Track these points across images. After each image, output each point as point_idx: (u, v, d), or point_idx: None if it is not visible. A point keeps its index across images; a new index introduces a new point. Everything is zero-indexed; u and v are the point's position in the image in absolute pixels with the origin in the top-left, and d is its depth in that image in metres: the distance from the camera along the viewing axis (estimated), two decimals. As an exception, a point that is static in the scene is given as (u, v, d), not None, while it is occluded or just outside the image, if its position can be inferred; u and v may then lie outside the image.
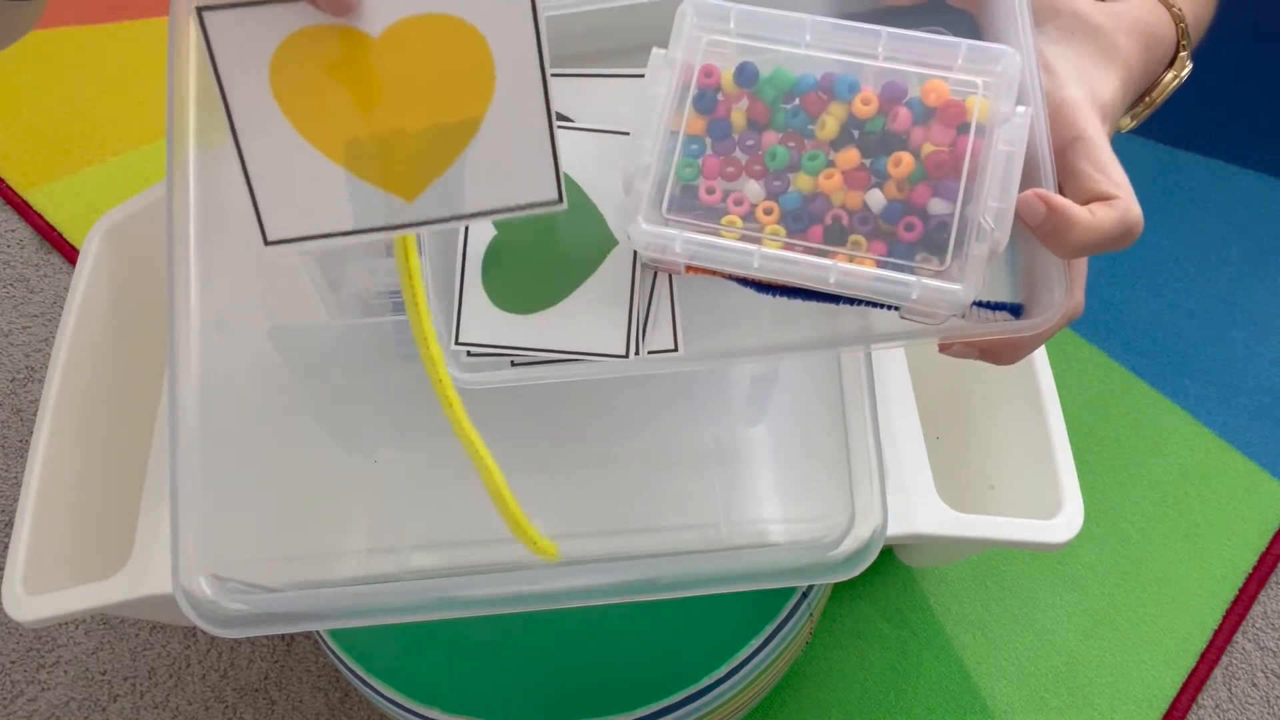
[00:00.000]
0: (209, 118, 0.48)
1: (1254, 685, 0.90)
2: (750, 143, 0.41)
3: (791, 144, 0.41)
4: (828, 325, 0.44)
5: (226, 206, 0.52)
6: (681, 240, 0.40)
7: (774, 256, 0.39)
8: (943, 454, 0.58)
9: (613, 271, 0.44)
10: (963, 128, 0.39)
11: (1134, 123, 0.49)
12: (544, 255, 0.44)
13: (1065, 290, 0.40)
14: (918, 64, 0.40)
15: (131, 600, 0.54)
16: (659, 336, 0.44)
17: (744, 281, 0.42)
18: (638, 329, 0.44)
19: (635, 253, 0.44)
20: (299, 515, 0.57)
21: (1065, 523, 0.56)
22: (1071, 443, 0.58)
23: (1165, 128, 1.16)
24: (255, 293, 0.54)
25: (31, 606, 0.54)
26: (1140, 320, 1.08)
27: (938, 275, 0.38)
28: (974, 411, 0.68)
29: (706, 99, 0.41)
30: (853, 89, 0.40)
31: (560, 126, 0.45)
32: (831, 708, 0.89)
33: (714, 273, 0.42)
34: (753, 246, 0.39)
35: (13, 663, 0.94)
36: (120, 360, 0.66)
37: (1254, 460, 1.00)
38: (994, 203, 0.38)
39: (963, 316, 0.41)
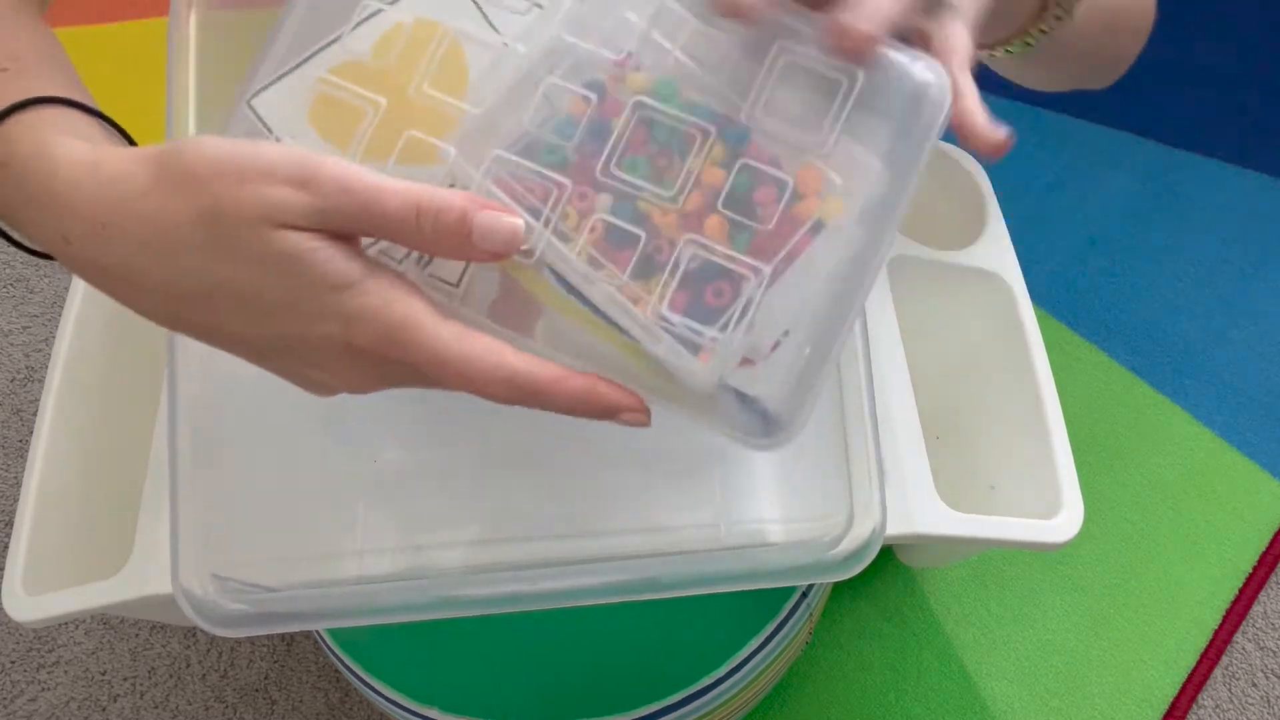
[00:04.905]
0: (209, 118, 0.48)
1: (1254, 685, 0.90)
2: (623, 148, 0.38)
3: (662, 162, 0.38)
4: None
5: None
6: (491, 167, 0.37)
7: (556, 249, 0.37)
8: (943, 454, 0.58)
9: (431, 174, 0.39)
10: (815, 226, 0.37)
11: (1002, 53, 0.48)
12: (393, 106, 0.40)
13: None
14: (797, 127, 0.37)
15: (131, 600, 0.54)
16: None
17: None
18: None
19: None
20: (299, 515, 0.57)
21: (1065, 523, 0.55)
22: (1071, 443, 0.58)
23: (1165, 128, 1.16)
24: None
25: (31, 606, 0.54)
26: (1140, 320, 1.08)
27: (696, 349, 0.37)
28: (974, 411, 0.67)
29: (597, 86, 0.38)
30: (741, 141, 0.37)
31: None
32: (831, 708, 0.89)
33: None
34: (544, 229, 0.37)
35: (13, 663, 0.94)
36: (120, 360, 0.66)
37: (1254, 460, 1.00)
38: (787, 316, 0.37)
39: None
